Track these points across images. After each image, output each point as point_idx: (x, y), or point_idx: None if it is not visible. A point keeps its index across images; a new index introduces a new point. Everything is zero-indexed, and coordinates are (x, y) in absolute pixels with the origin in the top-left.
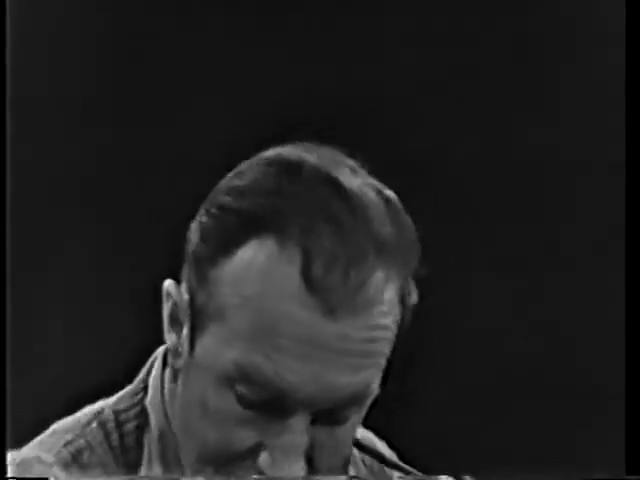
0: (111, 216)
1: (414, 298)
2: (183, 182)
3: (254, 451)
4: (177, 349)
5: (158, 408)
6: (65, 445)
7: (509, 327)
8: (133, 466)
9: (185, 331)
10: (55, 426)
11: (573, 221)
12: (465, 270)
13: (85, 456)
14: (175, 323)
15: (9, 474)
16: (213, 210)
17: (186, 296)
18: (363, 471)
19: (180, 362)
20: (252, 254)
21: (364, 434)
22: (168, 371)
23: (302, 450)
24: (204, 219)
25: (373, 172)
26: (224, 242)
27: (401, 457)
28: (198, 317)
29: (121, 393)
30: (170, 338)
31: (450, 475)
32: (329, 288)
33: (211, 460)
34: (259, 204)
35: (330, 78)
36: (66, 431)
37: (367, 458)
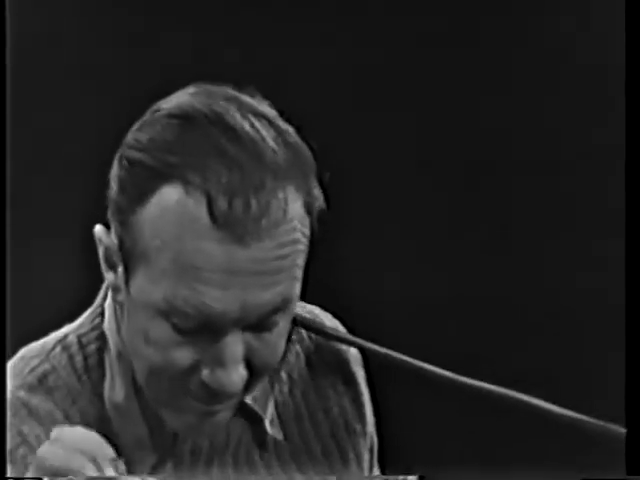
0: None
1: (321, 205)
2: None
3: (196, 368)
4: (116, 286)
5: (114, 331)
6: (31, 371)
7: (510, 327)
8: (96, 386)
9: (120, 271)
10: (23, 351)
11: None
12: None
13: (50, 379)
14: (110, 264)
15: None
16: (124, 162)
17: (115, 240)
18: (311, 347)
19: (121, 297)
20: (163, 201)
21: (308, 309)
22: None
23: (239, 360)
24: (118, 171)
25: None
26: (138, 192)
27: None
28: (128, 259)
29: (81, 318)
30: (108, 277)
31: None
32: (235, 220)
33: (160, 378)
34: (161, 156)
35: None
36: (32, 357)
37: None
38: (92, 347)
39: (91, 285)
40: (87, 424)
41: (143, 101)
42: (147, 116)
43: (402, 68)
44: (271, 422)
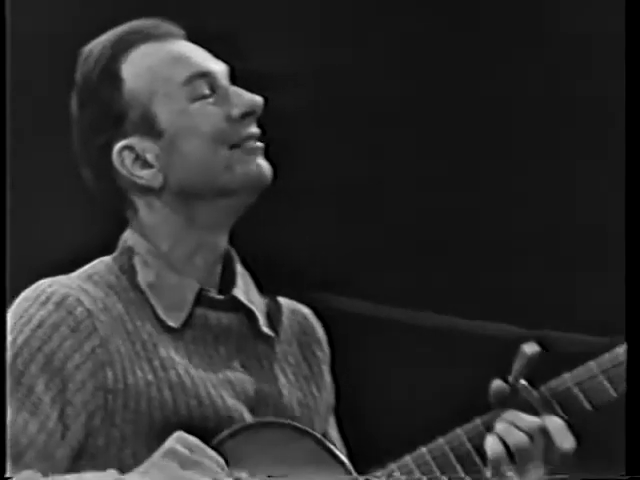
0: None
1: None
2: None
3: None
4: (153, 177)
5: (139, 241)
6: (80, 274)
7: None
8: (131, 279)
9: (157, 153)
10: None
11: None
12: None
13: (95, 277)
14: (144, 165)
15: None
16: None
17: (147, 143)
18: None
19: (157, 182)
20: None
21: (305, 312)
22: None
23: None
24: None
25: None
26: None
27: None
28: (165, 134)
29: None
30: (144, 175)
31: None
32: None
33: (217, 151)
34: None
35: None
36: (74, 274)
37: None
38: (124, 256)
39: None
40: (125, 302)
41: None
42: None
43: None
44: (264, 323)
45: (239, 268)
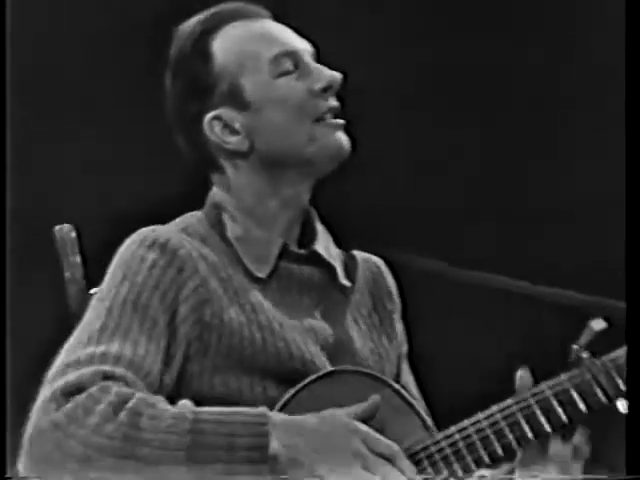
0: None
1: None
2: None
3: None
4: (241, 142)
5: (226, 199)
6: (175, 226)
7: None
8: (221, 232)
9: (245, 122)
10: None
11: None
12: None
13: (189, 229)
14: (232, 132)
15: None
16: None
17: (233, 114)
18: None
19: (244, 146)
20: None
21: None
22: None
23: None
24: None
25: None
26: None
27: None
28: (252, 104)
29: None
30: (233, 141)
31: None
32: None
33: (302, 120)
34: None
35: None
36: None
37: None
38: (212, 212)
39: None
40: (218, 252)
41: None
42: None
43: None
44: (342, 275)
45: (318, 225)
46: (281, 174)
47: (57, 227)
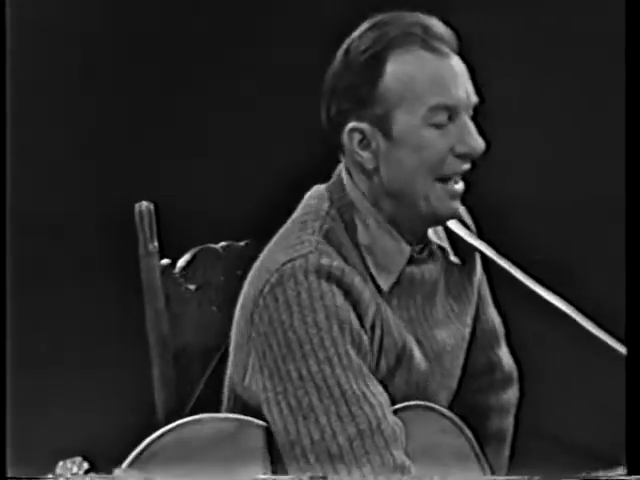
0: None
1: None
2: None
3: (451, 150)
4: (373, 157)
5: (359, 197)
6: (317, 235)
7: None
8: (353, 237)
9: (378, 144)
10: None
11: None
12: None
13: (332, 237)
14: (365, 147)
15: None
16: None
17: (364, 125)
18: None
19: (374, 164)
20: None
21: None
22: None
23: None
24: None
25: None
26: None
27: None
28: (384, 116)
29: (325, 194)
30: (365, 157)
31: None
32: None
33: (427, 173)
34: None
35: None
36: (309, 222)
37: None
38: (345, 207)
39: None
40: (351, 260)
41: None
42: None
43: None
44: (452, 252)
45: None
46: (398, 201)
47: (137, 204)
